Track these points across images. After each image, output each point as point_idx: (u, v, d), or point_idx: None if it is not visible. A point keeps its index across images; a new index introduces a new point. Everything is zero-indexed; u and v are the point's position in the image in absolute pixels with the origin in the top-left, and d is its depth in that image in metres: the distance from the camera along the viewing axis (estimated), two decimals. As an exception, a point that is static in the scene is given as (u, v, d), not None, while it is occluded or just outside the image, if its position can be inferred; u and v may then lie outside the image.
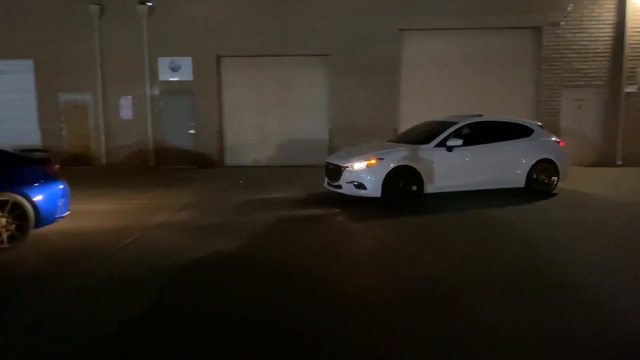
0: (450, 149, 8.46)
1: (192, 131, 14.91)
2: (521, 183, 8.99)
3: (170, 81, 14.81)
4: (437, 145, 8.51)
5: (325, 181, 8.99)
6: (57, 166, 6.55)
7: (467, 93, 14.28)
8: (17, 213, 5.84)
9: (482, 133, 8.99)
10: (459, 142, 8.46)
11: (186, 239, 6.32)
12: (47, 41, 14.72)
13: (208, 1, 14.53)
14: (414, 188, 8.26)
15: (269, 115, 15.02)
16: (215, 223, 7.27)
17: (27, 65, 14.97)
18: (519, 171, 8.94)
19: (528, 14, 13.85)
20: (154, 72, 14.77)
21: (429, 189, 8.35)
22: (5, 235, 5.76)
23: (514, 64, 14.33)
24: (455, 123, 8.88)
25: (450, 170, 8.49)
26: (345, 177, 8.34)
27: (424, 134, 9.07)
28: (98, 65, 14.77)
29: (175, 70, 14.76)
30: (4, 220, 5.73)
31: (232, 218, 7.60)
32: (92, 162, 15.07)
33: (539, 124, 9.73)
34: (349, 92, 14.34)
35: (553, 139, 9.50)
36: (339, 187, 8.48)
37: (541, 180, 9.08)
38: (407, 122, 14.40)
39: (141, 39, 14.58)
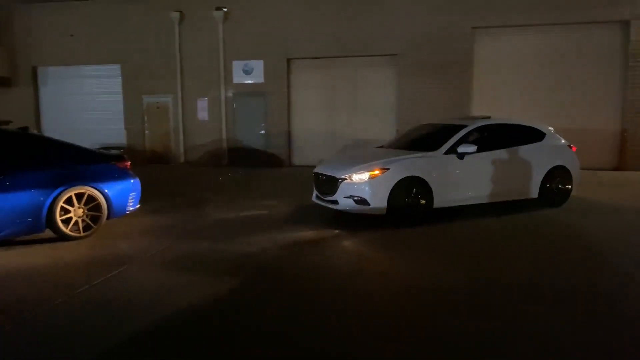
0: (461, 156, 7.32)
1: (262, 131, 15.40)
2: (534, 193, 7.99)
3: (243, 83, 15.39)
4: (447, 152, 7.36)
5: (314, 194, 7.74)
6: (129, 163, 7.06)
7: (545, 94, 13.58)
8: (92, 205, 6.39)
9: (492, 138, 7.94)
10: (473, 148, 7.31)
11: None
12: (134, 47, 15.85)
13: (279, 5, 14.93)
14: (423, 202, 7.09)
15: (336, 116, 15.15)
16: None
17: (116, 69, 16.22)
18: (532, 180, 7.95)
19: (613, 6, 12.88)
20: (228, 75, 15.42)
21: (439, 202, 7.19)
22: (81, 225, 6.33)
23: (598, 62, 13.38)
24: (464, 126, 7.75)
25: (461, 180, 7.43)
26: (342, 190, 7.05)
27: (427, 139, 7.98)
28: (178, 69, 15.67)
29: (248, 73, 15.31)
30: (80, 211, 6.30)
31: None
32: (171, 160, 16.02)
33: (550, 127, 8.63)
34: (418, 93, 14.13)
35: (565, 143, 8.51)
36: (335, 202, 7.19)
37: (556, 189, 8.13)
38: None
39: (217, 44, 15.29)
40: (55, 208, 6.10)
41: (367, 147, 9.11)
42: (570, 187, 8.22)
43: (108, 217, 6.54)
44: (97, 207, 6.43)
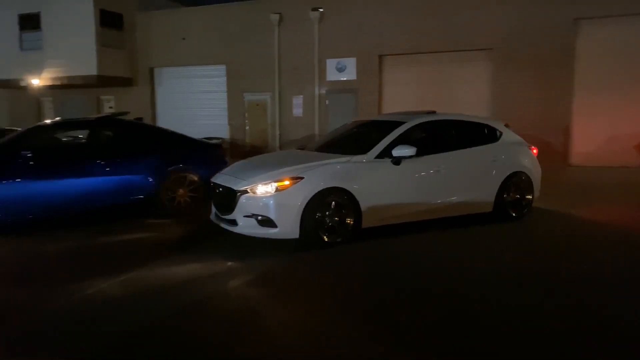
0: (397, 161, 5.84)
1: (353, 127, 15.82)
2: (488, 206, 6.60)
3: (336, 81, 15.93)
4: (379, 156, 5.85)
5: (213, 212, 6.11)
6: (224, 150, 7.85)
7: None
8: (193, 187, 7.23)
9: (437, 138, 6.63)
10: (411, 150, 5.80)
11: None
12: (237, 49, 17.05)
13: (372, 4, 15.25)
14: (349, 221, 5.57)
15: (427, 112, 15.13)
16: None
17: (221, 69, 17.55)
18: (486, 190, 6.54)
19: None
20: (322, 72, 16.05)
21: (370, 221, 5.70)
22: (183, 204, 7.21)
23: None
24: (402, 123, 6.24)
25: (398, 192, 5.93)
26: (242, 207, 5.42)
27: (358, 140, 6.54)
28: (276, 68, 16.60)
29: (341, 71, 15.82)
30: (181, 190, 7.17)
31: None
32: (267, 154, 17.03)
33: (505, 123, 7.24)
34: (515, 88, 13.70)
35: (524, 144, 7.14)
36: (233, 222, 5.58)
37: (514, 200, 6.75)
38: (581, 120, 13.27)
39: (312, 43, 15.97)
40: (163, 188, 7.00)
41: (286, 151, 6.84)
42: (530, 197, 6.87)
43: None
44: (196, 189, 7.26)
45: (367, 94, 15.49)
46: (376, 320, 3.67)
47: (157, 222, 6.86)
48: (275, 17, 16.35)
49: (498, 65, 13.93)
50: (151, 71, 18.83)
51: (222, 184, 5.80)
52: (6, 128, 9.97)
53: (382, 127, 6.37)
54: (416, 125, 6.33)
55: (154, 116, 18.74)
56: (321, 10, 15.80)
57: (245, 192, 5.41)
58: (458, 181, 6.38)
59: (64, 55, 17.58)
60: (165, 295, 4.19)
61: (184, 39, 17.88)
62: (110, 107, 19.30)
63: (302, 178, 5.37)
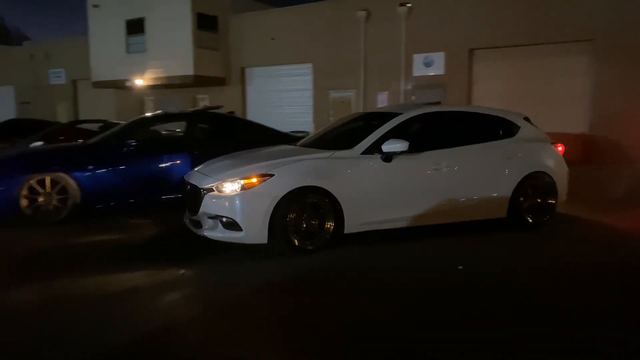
0: (388, 157, 5.10)
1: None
2: (501, 211, 5.74)
3: (423, 76, 15.67)
4: (367, 152, 5.14)
5: (186, 213, 5.46)
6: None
7: None
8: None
9: (440, 131, 5.86)
10: (402, 145, 5.05)
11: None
12: (323, 47, 17.32)
13: (463, -4, 14.83)
14: (329, 226, 4.90)
15: (519, 107, 14.37)
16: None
17: (307, 68, 17.93)
18: (498, 193, 5.69)
19: None
20: (408, 68, 15.87)
21: (354, 225, 5.01)
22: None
23: None
24: (396, 115, 5.55)
25: (389, 193, 5.19)
26: (207, 207, 4.85)
27: (350, 134, 5.83)
28: (362, 65, 16.66)
29: (429, 66, 15.54)
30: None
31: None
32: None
33: (525, 117, 6.33)
34: (616, 81, 12.67)
35: (547, 140, 6.26)
36: (197, 224, 5.04)
37: (532, 204, 5.85)
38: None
39: (399, 38, 15.83)
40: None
41: (275, 147, 6.24)
42: (553, 201, 5.95)
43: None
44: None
45: (456, 89, 15.08)
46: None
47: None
48: (362, 14, 16.40)
49: (597, 58, 12.97)
50: (242, 71, 19.66)
51: (190, 180, 5.22)
52: (113, 122, 10.89)
53: (376, 119, 5.70)
54: (414, 118, 5.60)
55: (244, 113, 19.57)
56: (409, 5, 15.61)
57: (211, 190, 4.80)
58: (463, 181, 5.54)
59: (164, 57, 18.86)
60: (83, 305, 3.69)
61: (273, 39, 18.47)
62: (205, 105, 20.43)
63: (272, 175, 4.71)
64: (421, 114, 5.71)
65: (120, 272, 4.42)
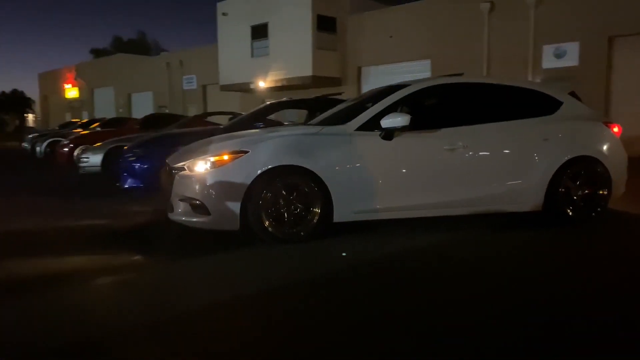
0: (388, 134, 4.34)
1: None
2: (535, 202, 4.73)
3: (553, 68, 14.53)
4: (363, 128, 4.42)
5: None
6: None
7: None
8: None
9: (457, 107, 4.89)
10: (403, 120, 4.25)
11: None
12: (443, 42, 16.83)
13: (603, -21, 13.52)
14: (315, 211, 4.21)
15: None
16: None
17: (425, 64, 17.52)
18: (531, 180, 4.70)
19: None
20: (536, 60, 14.82)
21: (344, 213, 4.29)
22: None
23: None
24: (403, 87, 4.74)
25: (390, 176, 4.44)
26: (177, 188, 4.34)
27: (353, 110, 4.95)
28: (484, 59, 15.89)
29: (560, 57, 14.38)
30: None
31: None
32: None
33: (570, 91, 5.24)
34: None
35: (598, 118, 5.20)
36: (170, 207, 4.48)
37: (576, 196, 4.79)
38: None
39: (527, 29, 14.85)
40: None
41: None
42: (605, 192, 4.86)
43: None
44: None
45: (591, 82, 13.73)
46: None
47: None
48: (486, 6, 15.68)
49: None
50: (359, 70, 19.79)
51: (167, 160, 4.77)
52: (241, 114, 11.63)
53: (384, 93, 4.87)
54: (424, 90, 4.78)
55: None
56: (539, -7, 14.60)
57: (182, 169, 4.30)
58: (486, 165, 4.66)
59: (285, 59, 19.64)
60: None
61: (391, 37, 18.37)
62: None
63: (245, 152, 4.12)
64: (433, 86, 4.90)
65: (75, 256, 3.96)
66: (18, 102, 77.90)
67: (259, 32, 20.83)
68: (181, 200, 4.27)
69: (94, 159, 9.54)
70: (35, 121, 44.50)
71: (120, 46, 52.36)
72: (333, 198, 4.19)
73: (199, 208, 4.13)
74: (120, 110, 32.08)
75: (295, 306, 2.83)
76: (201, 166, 4.17)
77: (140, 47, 52.34)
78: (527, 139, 4.81)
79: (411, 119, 4.25)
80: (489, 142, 4.70)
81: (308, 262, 3.77)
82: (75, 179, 9.51)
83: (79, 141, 11.77)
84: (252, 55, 21.31)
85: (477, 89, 5.09)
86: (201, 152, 4.30)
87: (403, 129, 4.30)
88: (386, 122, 4.29)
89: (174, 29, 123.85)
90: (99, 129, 14.37)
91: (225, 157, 4.12)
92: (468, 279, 3.32)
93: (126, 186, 7.04)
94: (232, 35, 22.11)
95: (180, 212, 4.31)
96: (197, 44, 30.22)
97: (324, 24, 19.30)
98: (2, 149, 20.93)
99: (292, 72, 19.44)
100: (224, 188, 4.05)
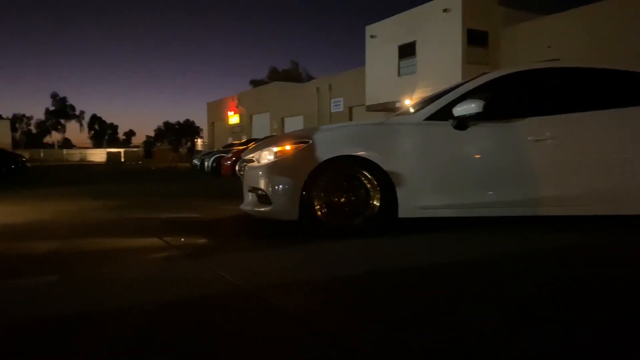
0: (461, 123, 3.90)
1: None
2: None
3: None
4: (433, 117, 3.99)
5: None
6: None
7: None
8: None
9: (547, 95, 4.19)
10: (477, 106, 3.77)
11: None
12: (609, 48, 15.15)
13: None
14: (374, 204, 3.89)
15: None
16: None
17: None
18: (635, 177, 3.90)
19: None
20: None
21: (411, 208, 3.89)
22: None
23: None
24: (481, 75, 4.28)
25: (461, 169, 4.00)
26: (246, 179, 4.36)
27: (433, 100, 4.27)
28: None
29: None
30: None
31: None
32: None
33: None
34: None
35: None
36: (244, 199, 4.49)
37: None
38: None
39: None
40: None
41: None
42: None
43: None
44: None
45: None
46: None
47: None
48: (668, 3, 13.81)
49: None
50: (512, 84, 18.71)
51: (242, 155, 4.84)
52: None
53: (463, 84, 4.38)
54: (507, 77, 4.22)
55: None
56: None
57: (251, 161, 4.31)
58: (581, 159, 4.01)
59: (432, 76, 19.39)
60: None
61: (549, 47, 17.09)
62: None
63: (306, 142, 4.00)
64: (518, 72, 4.34)
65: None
66: (189, 129, 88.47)
67: (407, 50, 20.92)
68: (249, 191, 4.29)
69: (252, 168, 10.28)
70: (203, 145, 50.03)
71: (276, 76, 56.66)
72: (397, 192, 3.89)
73: (262, 198, 4.10)
74: (275, 130, 34.52)
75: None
76: (266, 157, 4.14)
77: (293, 76, 56.14)
78: (633, 130, 4.08)
79: (489, 106, 3.82)
80: (584, 133, 4.08)
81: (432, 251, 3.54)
82: (237, 186, 10.33)
83: (239, 154, 12.85)
84: (399, 74, 21.44)
85: (572, 75, 4.45)
86: (271, 143, 4.26)
87: (478, 117, 3.86)
88: (458, 110, 3.89)
89: (322, 57, 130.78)
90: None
91: (287, 148, 4.06)
92: None
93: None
94: (379, 56, 22.54)
95: (249, 203, 4.33)
96: (344, 68, 31.64)
97: (475, 38, 18.71)
98: (178, 168, 23.91)
99: (440, 88, 19.03)
100: (284, 178, 3.99)
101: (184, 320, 2.10)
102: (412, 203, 3.91)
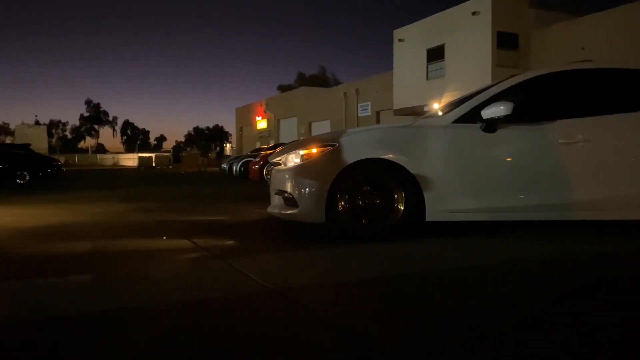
0: (490, 125, 3.87)
1: None
2: None
3: None
4: (461, 120, 3.97)
5: None
6: None
7: None
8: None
9: (580, 97, 4.14)
10: (506, 108, 3.73)
11: None
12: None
13: None
14: (400, 207, 3.88)
15: None
16: None
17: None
18: None
19: None
20: None
21: (438, 211, 3.88)
22: None
23: None
24: (511, 77, 4.24)
25: (490, 173, 3.97)
26: (273, 182, 4.41)
27: (461, 103, 4.22)
28: None
29: None
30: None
31: None
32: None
33: None
34: None
35: None
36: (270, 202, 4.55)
37: None
38: None
39: None
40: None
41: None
42: None
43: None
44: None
45: None
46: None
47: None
48: None
49: None
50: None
51: (269, 158, 4.99)
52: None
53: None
54: (537, 78, 4.13)
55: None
56: None
57: (278, 164, 4.38)
58: (616, 161, 3.92)
59: (461, 79, 19.17)
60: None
61: (583, 48, 16.70)
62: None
63: (333, 145, 3.98)
64: (548, 74, 4.22)
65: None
66: (218, 134, 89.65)
67: (435, 54, 20.76)
68: (276, 193, 4.32)
69: (280, 172, 10.39)
70: (232, 150, 50.63)
71: (303, 81, 57.01)
72: (425, 195, 3.86)
73: (289, 200, 4.13)
74: (302, 134, 34.65)
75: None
76: (292, 160, 4.17)
77: (321, 81, 56.33)
78: None
79: (518, 109, 3.78)
80: (619, 135, 3.97)
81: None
82: (264, 189, 10.41)
83: (267, 158, 12.94)
84: (427, 78, 21.27)
85: (605, 76, 4.33)
86: (296, 147, 4.28)
87: (507, 120, 3.81)
88: (487, 113, 3.84)
89: (350, 62, 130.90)
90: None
91: (314, 151, 4.07)
92: None
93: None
94: (407, 60, 22.43)
95: (275, 205, 4.36)
96: (371, 73, 31.61)
97: (505, 41, 18.43)
98: (207, 172, 24.26)
99: (469, 91, 18.82)
100: (310, 181, 3.98)
101: (210, 319, 2.12)
102: (440, 207, 3.88)
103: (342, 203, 3.92)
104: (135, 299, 2.44)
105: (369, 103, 28.54)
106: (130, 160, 55.69)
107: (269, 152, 15.45)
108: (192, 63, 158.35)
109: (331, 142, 4.02)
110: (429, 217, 3.88)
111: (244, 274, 2.85)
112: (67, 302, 2.42)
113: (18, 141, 35.71)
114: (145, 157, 47.71)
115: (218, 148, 69.70)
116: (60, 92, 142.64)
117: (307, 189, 3.98)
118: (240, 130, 48.96)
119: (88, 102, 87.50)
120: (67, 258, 3.49)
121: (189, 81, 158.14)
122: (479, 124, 3.91)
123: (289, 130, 37.65)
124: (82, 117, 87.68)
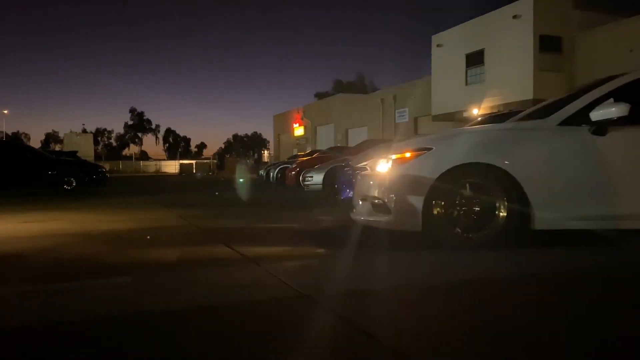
0: (600, 128, 3.55)
1: None
2: None
3: None
4: (566, 122, 3.66)
5: None
6: None
7: None
8: None
9: None
10: (621, 110, 3.39)
11: None
12: None
13: None
14: (501, 215, 3.63)
15: None
16: None
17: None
18: None
19: None
20: None
21: (546, 219, 3.57)
22: None
23: None
24: (619, 76, 3.80)
25: (602, 178, 3.63)
26: (358, 187, 4.33)
27: (562, 104, 3.86)
28: None
29: None
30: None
31: None
32: None
33: None
34: None
35: None
36: (354, 208, 4.41)
37: None
38: None
39: None
40: None
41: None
42: None
43: None
44: None
45: None
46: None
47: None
48: None
49: None
50: (589, 91, 17.70)
51: (351, 162, 4.91)
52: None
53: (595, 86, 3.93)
54: None
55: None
56: None
57: (364, 169, 4.25)
58: None
59: (502, 84, 18.76)
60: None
61: (631, 50, 16.07)
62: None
63: (429, 149, 3.77)
64: None
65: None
66: (257, 142, 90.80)
67: (474, 59, 20.41)
68: (362, 199, 4.19)
69: (316, 178, 10.48)
70: (269, 157, 51.17)
71: (340, 88, 57.07)
72: (531, 202, 3.58)
73: (379, 207, 3.93)
74: (339, 141, 34.69)
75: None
76: (383, 165, 3.97)
77: (358, 87, 56.30)
78: None
79: (631, 109, 3.46)
80: None
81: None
82: (300, 195, 10.48)
83: (303, 165, 13.02)
84: (467, 84, 20.93)
85: None
86: (384, 152, 4.12)
87: (620, 122, 3.51)
88: (597, 114, 3.57)
89: (388, 68, 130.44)
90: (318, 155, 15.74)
91: (408, 155, 3.84)
92: None
93: (343, 197, 7.47)
94: (445, 66, 22.14)
95: (361, 212, 4.21)
96: (408, 79, 31.36)
97: (548, 44, 17.92)
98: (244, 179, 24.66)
99: (510, 96, 18.40)
100: (405, 186, 3.76)
101: (243, 323, 2.14)
102: (549, 214, 3.62)
103: (439, 210, 3.70)
104: (174, 301, 2.49)
105: (407, 109, 28.29)
106: (172, 167, 57.08)
107: (305, 158, 15.54)
108: (231, 72, 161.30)
109: (427, 146, 3.82)
110: (538, 225, 3.62)
111: (277, 279, 2.87)
112: (112, 303, 2.49)
113: (66, 149, 37.19)
114: (186, 163, 48.82)
115: (255, 155, 70.55)
116: (107, 101, 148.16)
117: (401, 195, 3.76)
118: (277, 137, 49.46)
119: (132, 111, 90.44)
120: (111, 262, 3.63)
121: (228, 89, 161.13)
122: (586, 127, 3.65)
123: (326, 137, 37.73)
124: (126, 125, 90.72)
